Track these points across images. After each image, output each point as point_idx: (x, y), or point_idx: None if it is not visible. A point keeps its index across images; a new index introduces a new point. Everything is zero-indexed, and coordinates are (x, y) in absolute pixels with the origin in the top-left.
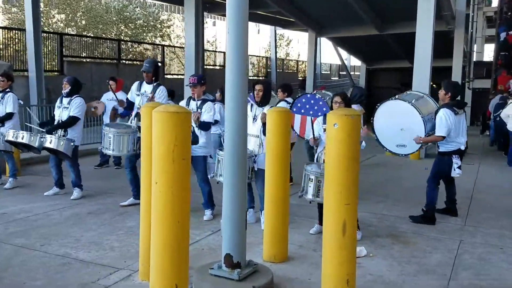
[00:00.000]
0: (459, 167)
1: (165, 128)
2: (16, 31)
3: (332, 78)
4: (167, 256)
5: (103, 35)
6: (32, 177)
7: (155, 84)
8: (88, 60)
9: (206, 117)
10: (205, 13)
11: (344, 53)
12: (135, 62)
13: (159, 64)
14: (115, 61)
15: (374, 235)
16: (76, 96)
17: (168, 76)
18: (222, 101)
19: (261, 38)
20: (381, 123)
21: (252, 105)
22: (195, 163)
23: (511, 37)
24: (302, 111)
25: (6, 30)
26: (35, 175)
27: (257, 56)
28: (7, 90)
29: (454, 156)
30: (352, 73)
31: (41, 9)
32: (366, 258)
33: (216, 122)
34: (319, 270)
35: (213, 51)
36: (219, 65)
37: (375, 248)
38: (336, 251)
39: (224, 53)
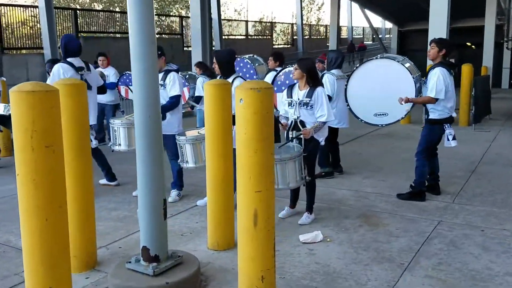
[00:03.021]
0: (454, 137)
1: (20, 111)
2: (32, 9)
3: (365, 43)
4: (37, 258)
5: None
6: None
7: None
8: (104, 35)
9: (171, 91)
10: None
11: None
12: None
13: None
14: None
15: (343, 216)
16: None
17: (190, 49)
18: (204, 74)
19: (291, 3)
20: (355, 89)
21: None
22: (164, 140)
23: None
24: (283, 88)
25: (22, 8)
26: None
27: (282, 23)
28: None
29: (446, 125)
30: (387, 36)
31: None
32: (321, 243)
33: (199, 98)
34: None
35: (235, 20)
36: (243, 35)
37: (337, 232)
38: (248, 244)
39: (247, 21)
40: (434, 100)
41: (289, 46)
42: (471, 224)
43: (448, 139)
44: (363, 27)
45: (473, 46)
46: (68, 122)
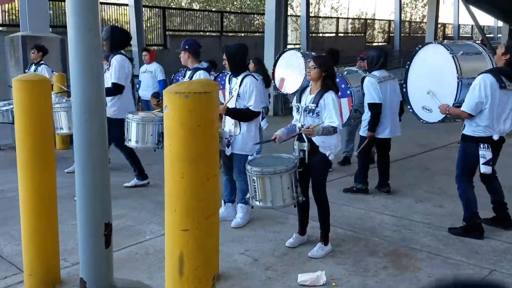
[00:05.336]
0: (487, 162)
1: None
2: (125, 7)
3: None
4: None
5: (227, 8)
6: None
7: None
8: (191, 33)
9: None
10: None
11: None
12: (238, 34)
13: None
14: (218, 33)
15: (369, 251)
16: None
17: None
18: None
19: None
20: (414, 73)
21: (230, 77)
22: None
23: None
24: (348, 92)
25: (113, 6)
26: None
27: (379, 19)
28: (41, 62)
29: (482, 145)
30: (499, 35)
31: None
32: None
33: None
34: None
35: (324, 17)
36: (332, 32)
37: (351, 273)
38: None
39: (337, 18)
40: (466, 115)
41: (384, 43)
42: None
43: (480, 163)
44: (472, 25)
45: None
46: (27, 123)
